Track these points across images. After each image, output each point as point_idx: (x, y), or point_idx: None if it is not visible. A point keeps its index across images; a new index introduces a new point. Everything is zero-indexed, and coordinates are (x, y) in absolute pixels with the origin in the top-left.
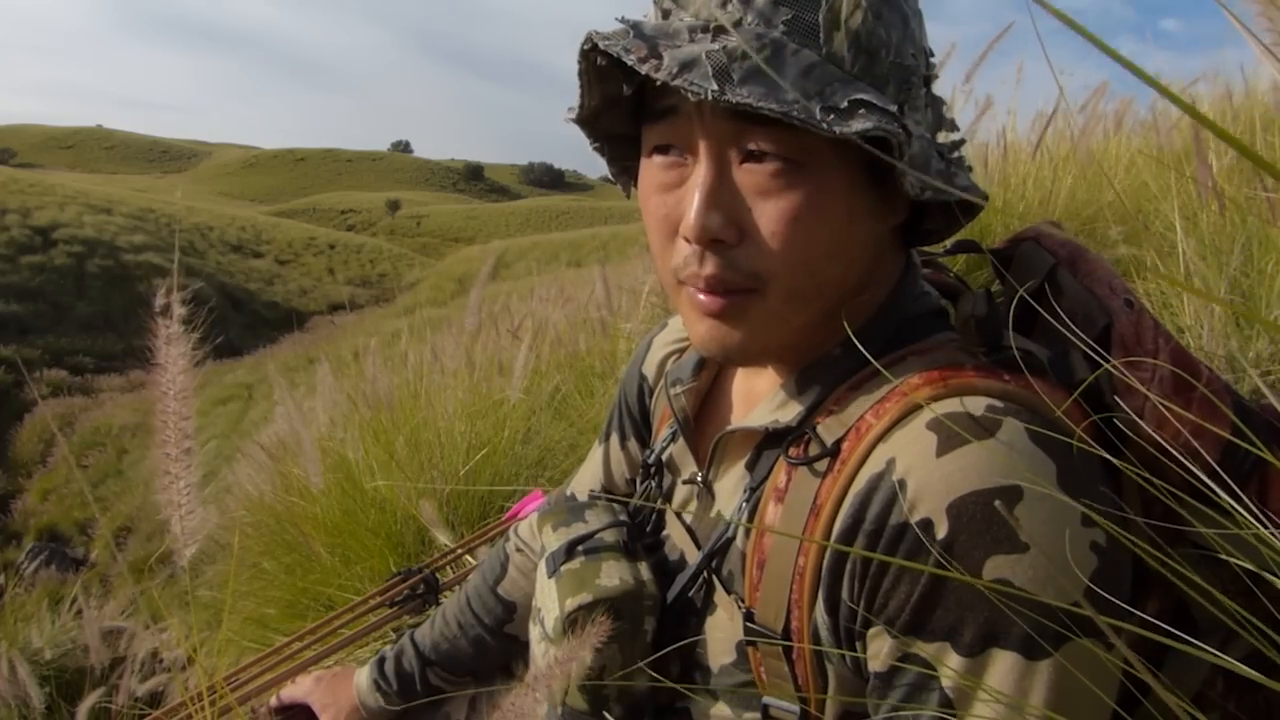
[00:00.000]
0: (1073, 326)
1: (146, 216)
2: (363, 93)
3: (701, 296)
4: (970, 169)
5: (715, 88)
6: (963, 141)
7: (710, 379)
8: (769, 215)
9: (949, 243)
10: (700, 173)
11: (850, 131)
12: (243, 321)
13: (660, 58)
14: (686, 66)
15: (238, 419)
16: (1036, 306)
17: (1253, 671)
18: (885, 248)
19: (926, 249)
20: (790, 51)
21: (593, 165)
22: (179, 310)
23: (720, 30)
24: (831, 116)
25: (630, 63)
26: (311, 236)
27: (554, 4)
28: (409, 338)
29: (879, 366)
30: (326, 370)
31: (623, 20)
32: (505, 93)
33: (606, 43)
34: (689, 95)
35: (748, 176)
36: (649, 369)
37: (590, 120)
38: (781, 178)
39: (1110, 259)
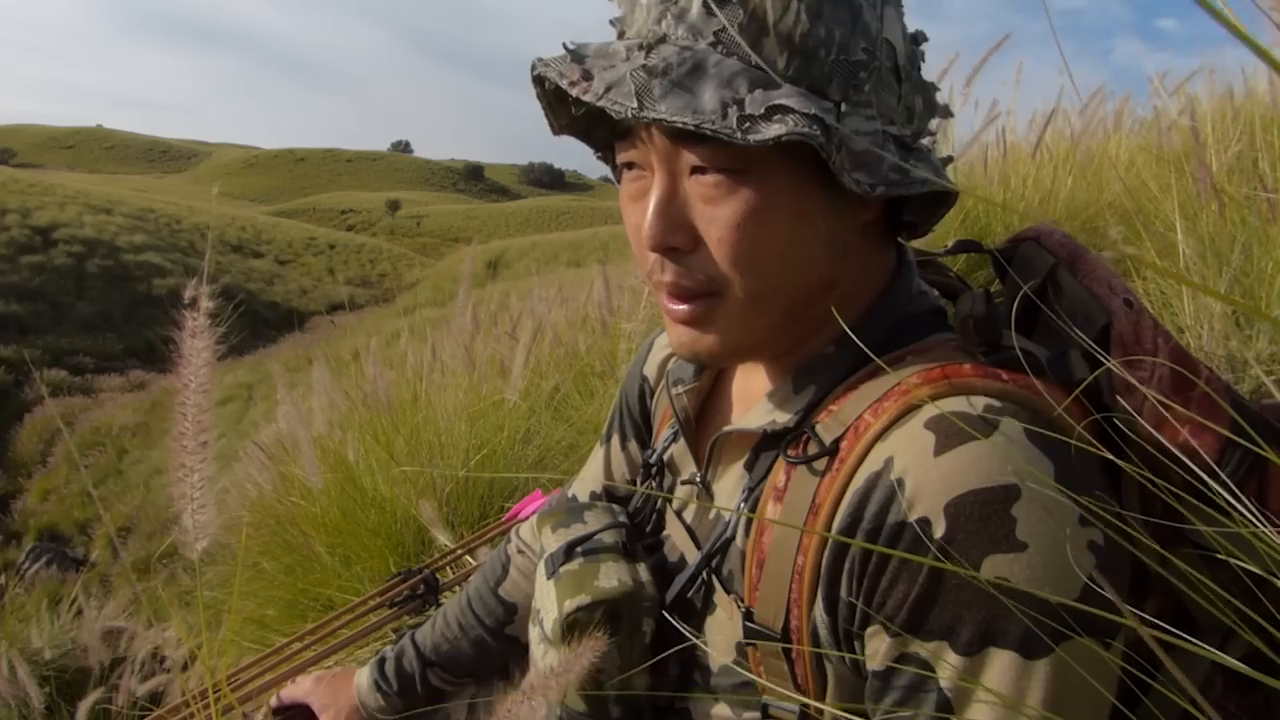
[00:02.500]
0: (1071, 326)
1: (146, 216)
2: (362, 93)
3: (669, 303)
4: (949, 159)
5: (635, 105)
6: (933, 133)
7: (711, 379)
8: (716, 223)
9: (950, 243)
10: (654, 185)
11: (764, 138)
12: (243, 321)
13: (591, 79)
14: (612, 87)
15: (238, 419)
16: (1040, 305)
17: (1252, 670)
18: (860, 244)
19: (924, 249)
20: (712, 63)
21: (593, 165)
22: (206, 304)
23: (652, 47)
24: (747, 124)
25: (564, 86)
26: (311, 236)
27: (552, 4)
28: (409, 338)
29: (880, 363)
30: (324, 370)
31: (566, 45)
32: (505, 93)
33: (544, 69)
34: (612, 114)
35: (696, 187)
36: (650, 370)
37: (585, 133)
38: (723, 186)
39: (1110, 259)
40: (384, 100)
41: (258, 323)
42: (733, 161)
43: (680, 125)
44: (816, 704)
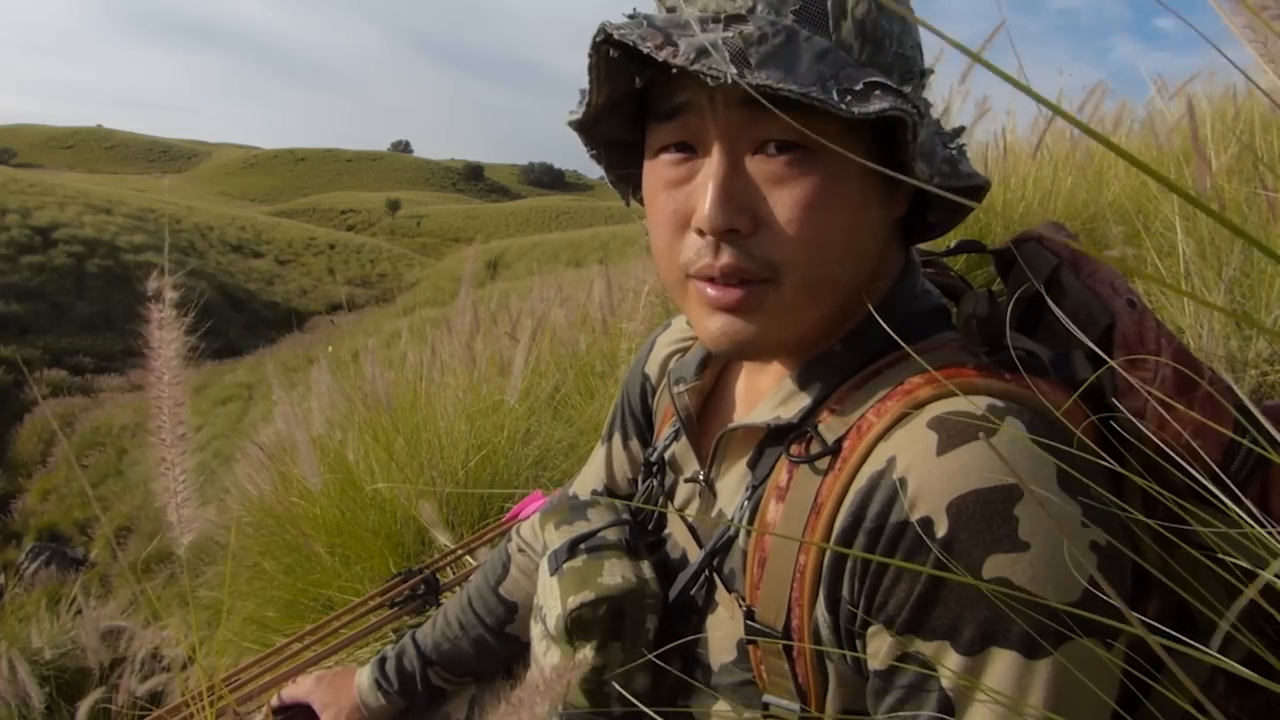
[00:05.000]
0: (1073, 327)
1: (146, 216)
2: (362, 93)
3: (712, 291)
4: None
5: (735, 70)
6: (963, 128)
7: (713, 378)
8: (784, 203)
9: (952, 242)
10: (713, 165)
11: (869, 111)
12: (243, 321)
13: (676, 45)
14: (703, 53)
15: (238, 419)
16: (1049, 303)
17: (1252, 673)
18: (888, 241)
19: (927, 249)
20: (803, 38)
21: (592, 165)
22: (171, 295)
23: (731, 20)
24: (849, 98)
25: (647, 50)
26: (311, 236)
27: (551, 4)
28: (409, 337)
29: (910, 350)
30: (323, 370)
31: (633, 15)
32: (505, 93)
33: (621, 32)
34: (707, 80)
35: (761, 166)
36: (652, 368)
37: (590, 126)
38: (796, 165)
39: (1110, 259)
40: (383, 100)
41: (258, 323)
42: (810, 139)
43: (786, 93)
44: (817, 703)
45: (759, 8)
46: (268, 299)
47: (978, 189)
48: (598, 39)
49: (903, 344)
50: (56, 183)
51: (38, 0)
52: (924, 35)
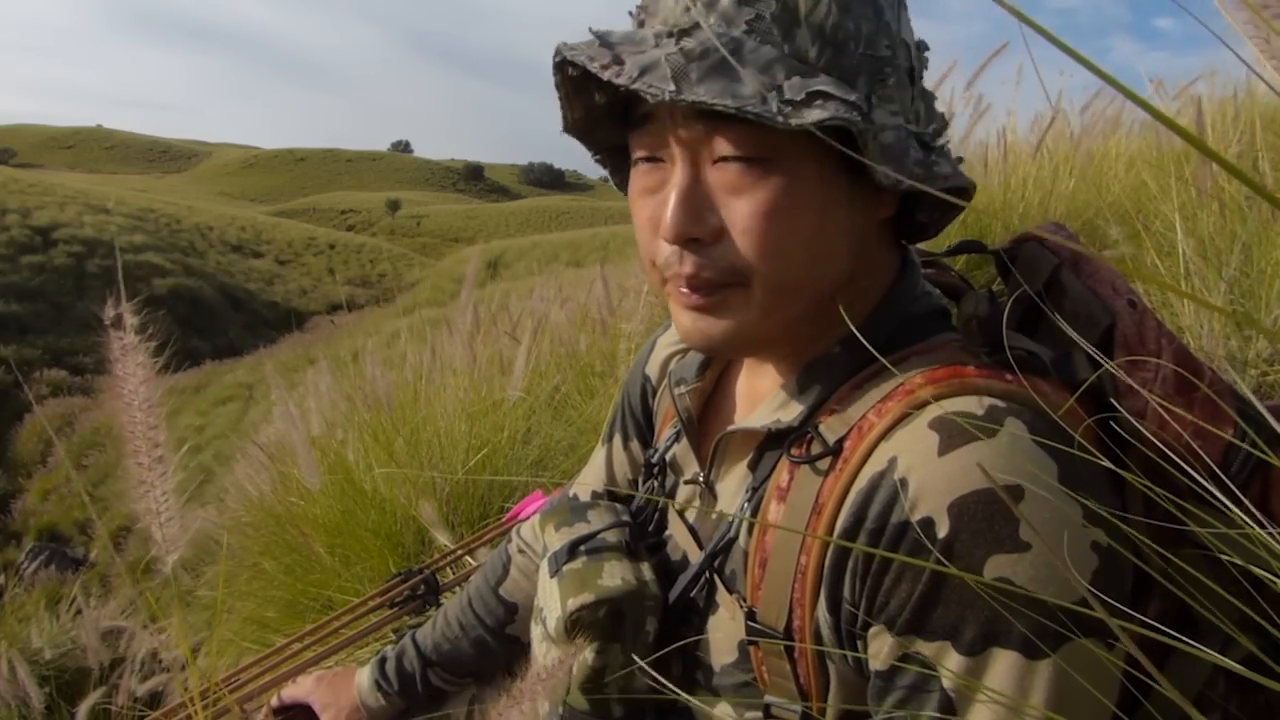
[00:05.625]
0: (1070, 329)
1: (146, 216)
2: (361, 93)
3: (684, 291)
4: (960, 159)
5: (672, 88)
6: (944, 128)
7: (714, 379)
8: (742, 211)
9: (952, 243)
10: (676, 175)
11: (806, 122)
12: (243, 321)
13: (623, 64)
14: (646, 70)
15: (238, 419)
16: (1046, 306)
17: (1253, 673)
18: (874, 242)
19: (927, 249)
20: (749, 49)
21: (593, 165)
22: (131, 320)
23: (683, 34)
24: (788, 109)
25: (594, 70)
26: (311, 236)
27: (550, 4)
28: (409, 337)
29: (885, 363)
30: (322, 371)
31: (592, 31)
32: (505, 93)
33: (572, 53)
34: (648, 97)
35: (720, 175)
36: (652, 369)
37: (587, 133)
38: (752, 174)
39: (1110, 259)
40: (383, 100)
41: (258, 323)
42: (762, 149)
43: (721, 108)
44: (818, 704)
45: (711, 20)
46: (268, 299)
47: (962, 189)
48: (555, 59)
49: (876, 354)
50: (56, 183)
51: (38, 0)
52: (930, 36)
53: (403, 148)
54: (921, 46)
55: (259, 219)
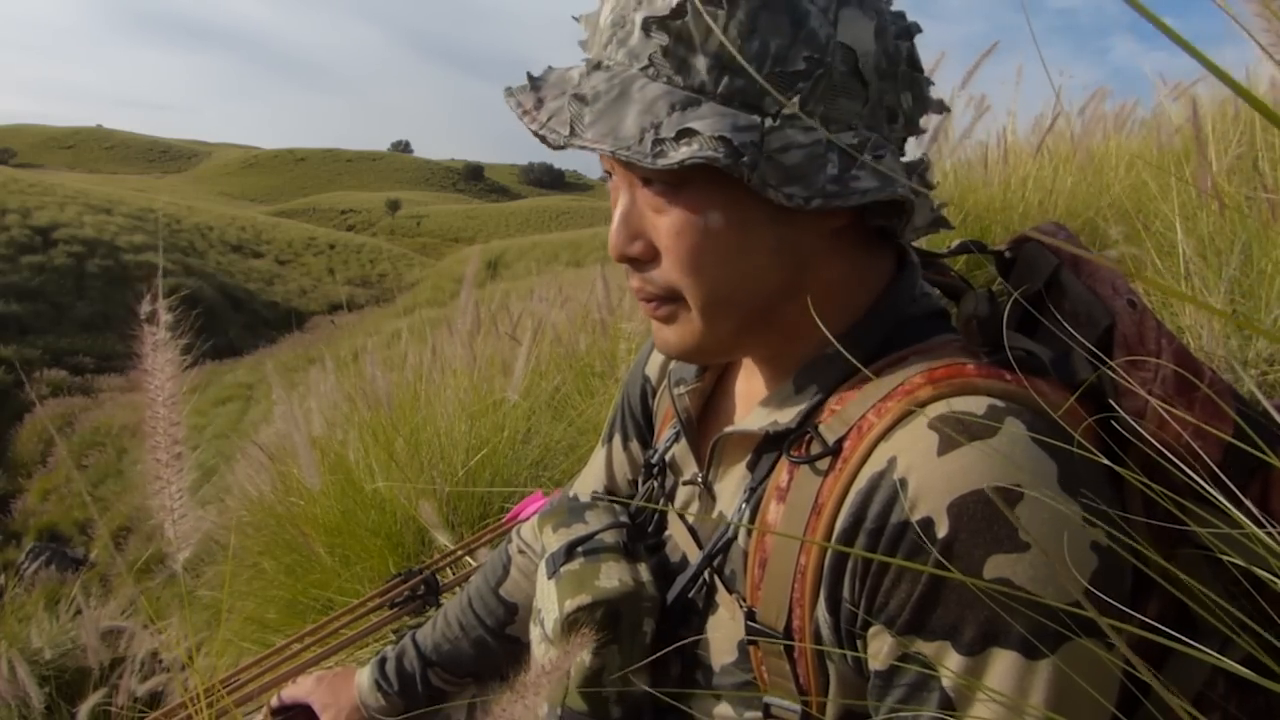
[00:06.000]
0: (1069, 329)
1: (146, 216)
2: (361, 93)
3: (640, 301)
4: (919, 163)
5: (567, 133)
6: (914, 123)
7: (713, 379)
8: (662, 232)
9: (953, 243)
10: (620, 195)
11: (670, 162)
12: (243, 321)
13: (540, 108)
14: (553, 115)
15: (238, 419)
16: (1041, 306)
17: (1252, 673)
18: (827, 251)
19: (927, 249)
20: (637, 87)
21: (593, 165)
22: (166, 317)
23: (594, 69)
24: (659, 149)
25: (518, 115)
26: (311, 236)
27: (550, 4)
28: (409, 338)
29: (867, 372)
30: (324, 370)
31: (529, 75)
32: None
33: (507, 98)
34: (550, 144)
35: (645, 196)
36: (652, 369)
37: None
38: (665, 196)
39: (1110, 259)
40: (383, 100)
41: (258, 323)
42: (667, 175)
43: (602, 151)
44: (818, 704)
45: (621, 54)
46: (268, 299)
47: (900, 200)
48: (505, 97)
49: (862, 368)
50: (56, 183)
51: (37, 0)
52: (929, 36)
53: (403, 148)
54: (910, 31)
55: (259, 219)
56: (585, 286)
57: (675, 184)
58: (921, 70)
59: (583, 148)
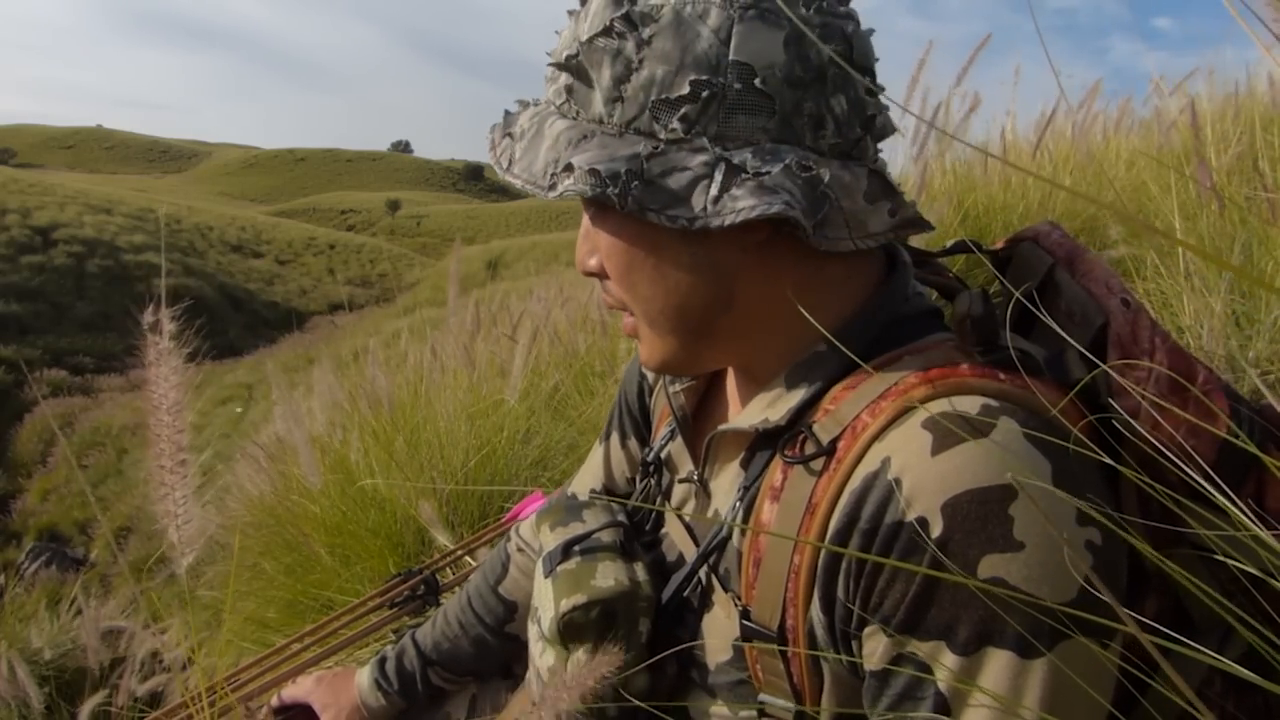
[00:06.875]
0: (1060, 329)
1: (146, 216)
2: (361, 93)
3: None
4: (815, 178)
5: (505, 166)
6: (763, 169)
7: (708, 378)
8: (600, 251)
9: (948, 243)
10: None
11: (556, 195)
12: (243, 321)
13: (499, 143)
14: (502, 150)
15: (238, 419)
16: (1037, 305)
17: (1248, 672)
18: (755, 264)
19: (925, 249)
20: (549, 125)
21: None
22: (169, 326)
23: (518, 114)
24: (553, 180)
25: (489, 150)
26: (311, 236)
27: (550, 4)
28: (409, 338)
29: (882, 359)
30: (323, 370)
31: (505, 112)
32: (504, 93)
33: (490, 132)
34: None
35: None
36: None
37: None
38: (594, 219)
39: (1110, 259)
40: (383, 100)
41: (258, 323)
42: (585, 205)
43: (522, 184)
44: (813, 702)
45: (551, 91)
46: (268, 299)
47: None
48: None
49: (860, 362)
50: (56, 183)
51: (37, 0)
52: (928, 35)
53: (402, 148)
54: (834, 36)
55: (259, 219)
56: (585, 286)
57: (594, 211)
58: (868, 70)
59: (510, 183)
